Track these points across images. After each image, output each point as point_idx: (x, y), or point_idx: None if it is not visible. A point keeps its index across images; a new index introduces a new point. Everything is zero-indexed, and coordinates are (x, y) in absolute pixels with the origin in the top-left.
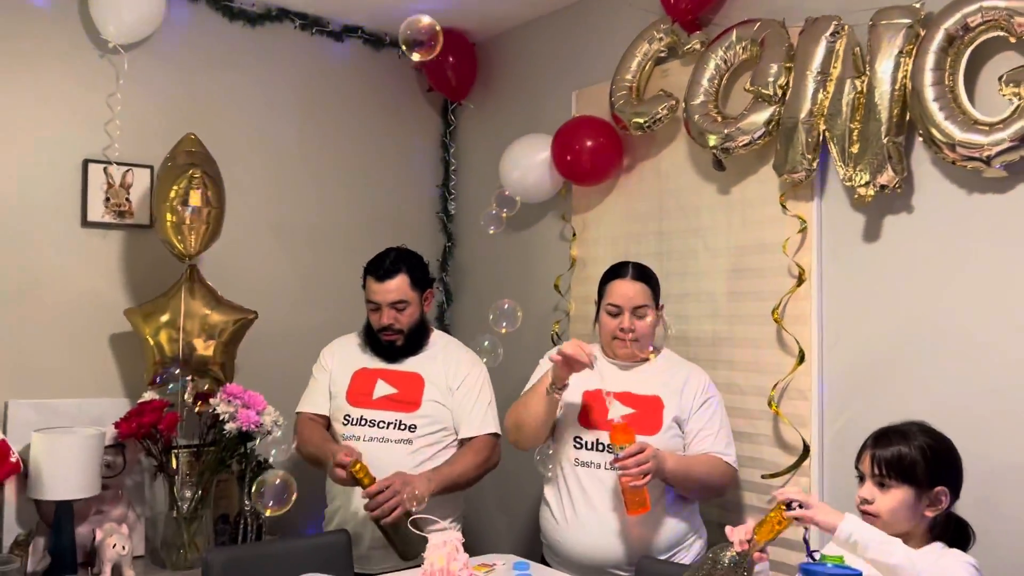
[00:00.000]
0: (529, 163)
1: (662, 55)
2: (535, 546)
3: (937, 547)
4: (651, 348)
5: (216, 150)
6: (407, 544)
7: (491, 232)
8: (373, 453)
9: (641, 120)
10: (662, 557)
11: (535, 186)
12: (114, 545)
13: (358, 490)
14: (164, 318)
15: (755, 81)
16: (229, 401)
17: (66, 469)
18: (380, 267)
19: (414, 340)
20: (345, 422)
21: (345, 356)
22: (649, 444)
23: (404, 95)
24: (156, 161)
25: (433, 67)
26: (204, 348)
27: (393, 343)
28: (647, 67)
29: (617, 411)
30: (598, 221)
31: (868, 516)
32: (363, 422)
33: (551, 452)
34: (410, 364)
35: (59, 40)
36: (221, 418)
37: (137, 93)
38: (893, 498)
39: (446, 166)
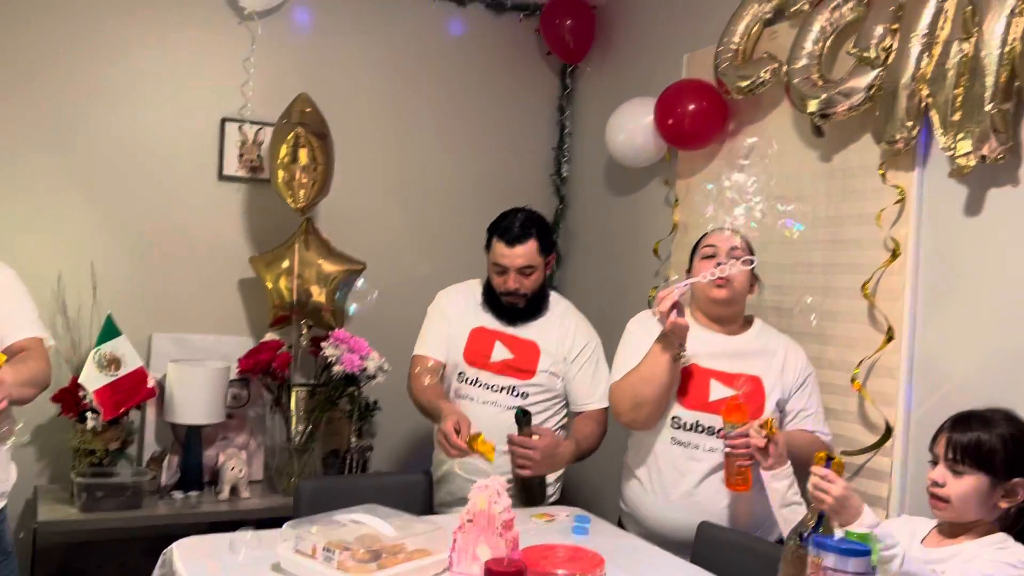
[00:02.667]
0: (635, 126)
1: (770, 17)
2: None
3: (999, 537)
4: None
5: (337, 110)
6: (531, 498)
7: None
8: (486, 415)
9: (743, 84)
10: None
11: (641, 150)
12: (233, 468)
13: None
14: (283, 266)
15: (859, 43)
16: (336, 345)
17: (195, 397)
18: (510, 231)
19: (535, 304)
20: (460, 380)
21: (465, 309)
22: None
23: (523, 58)
24: None
25: (551, 31)
26: (318, 295)
27: (515, 306)
28: (755, 29)
29: (718, 392)
30: (701, 186)
31: (937, 500)
32: (478, 383)
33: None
34: (528, 331)
35: (202, 8)
36: (329, 360)
37: (269, 57)
38: (966, 484)
39: (561, 129)
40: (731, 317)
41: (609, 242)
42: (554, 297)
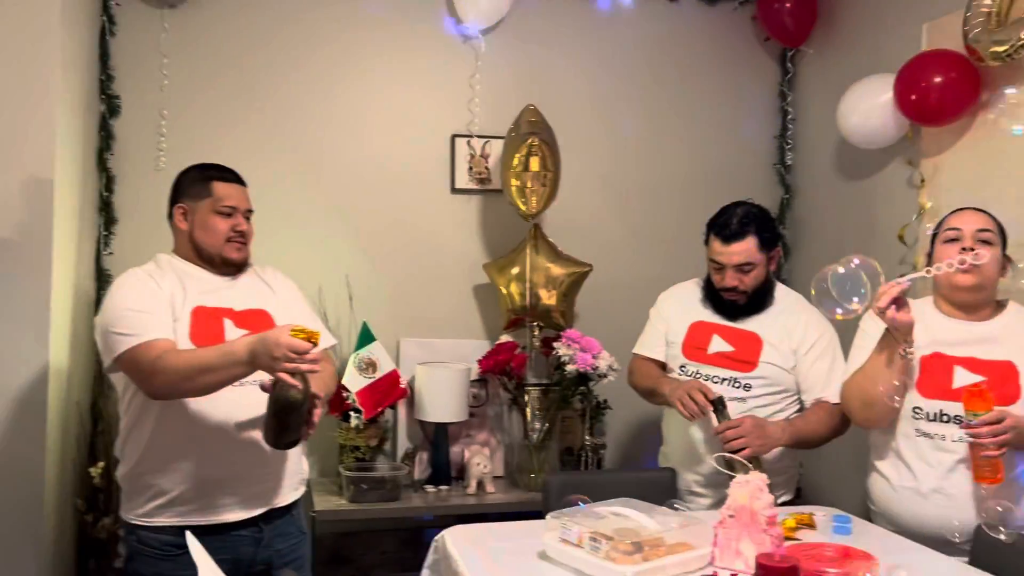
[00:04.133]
0: (870, 106)
1: None
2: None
3: None
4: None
5: (557, 117)
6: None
7: None
8: None
9: (1000, 48)
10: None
11: (877, 130)
12: (479, 463)
13: (690, 431)
14: (514, 271)
15: None
16: (568, 345)
17: (442, 397)
18: (727, 228)
19: (756, 300)
20: (680, 373)
21: (683, 306)
22: (1009, 412)
23: (740, 47)
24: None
25: (770, 16)
26: (547, 298)
27: (735, 303)
28: None
29: (964, 379)
30: (951, 165)
31: None
32: (697, 376)
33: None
34: (749, 323)
35: (429, 30)
36: (562, 360)
37: (492, 72)
38: None
39: (783, 115)
40: (978, 303)
41: (843, 230)
42: (783, 290)
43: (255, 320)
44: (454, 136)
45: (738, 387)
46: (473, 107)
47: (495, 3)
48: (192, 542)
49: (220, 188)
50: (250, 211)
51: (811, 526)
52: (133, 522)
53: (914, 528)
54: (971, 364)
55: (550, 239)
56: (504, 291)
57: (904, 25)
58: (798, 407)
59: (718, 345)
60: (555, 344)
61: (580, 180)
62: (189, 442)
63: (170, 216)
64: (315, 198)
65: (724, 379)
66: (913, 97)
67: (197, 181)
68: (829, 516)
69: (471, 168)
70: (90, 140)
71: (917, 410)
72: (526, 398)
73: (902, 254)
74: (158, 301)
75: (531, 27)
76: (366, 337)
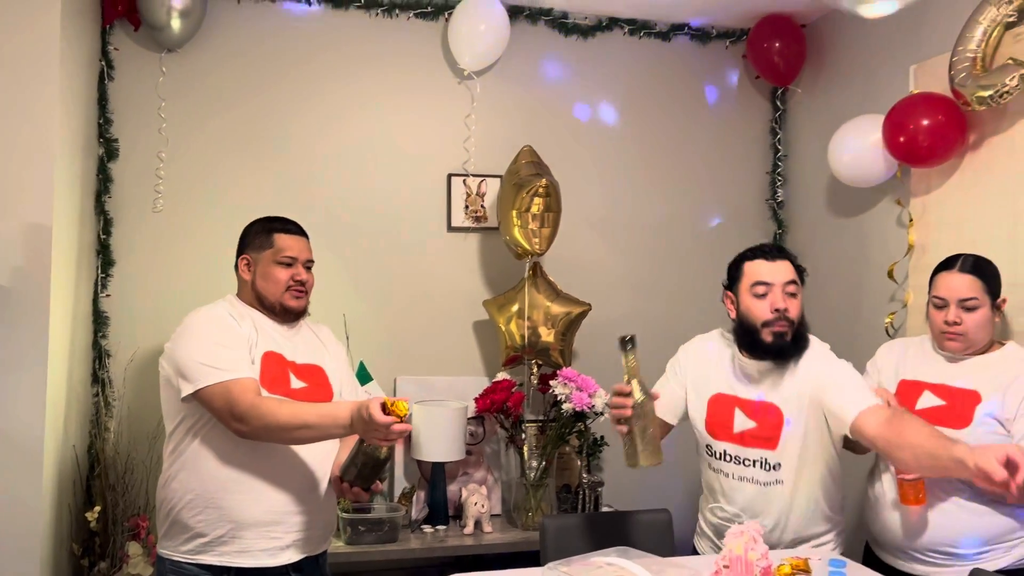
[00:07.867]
0: (859, 146)
1: (1012, 19)
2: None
3: None
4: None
5: (552, 156)
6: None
7: None
8: (748, 495)
9: (986, 93)
10: (972, 551)
11: (867, 169)
12: (476, 503)
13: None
14: (514, 308)
15: None
16: (565, 383)
17: (439, 435)
18: (766, 247)
19: (799, 338)
20: (708, 453)
21: (703, 373)
22: None
23: (731, 85)
24: (503, 171)
25: (759, 54)
26: (546, 335)
27: (783, 335)
28: (994, 33)
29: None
30: (940, 204)
31: None
32: (727, 457)
33: None
34: (769, 392)
35: (426, 72)
36: (559, 398)
37: (488, 112)
38: None
39: (775, 152)
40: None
41: (836, 266)
42: (814, 339)
43: (312, 374)
44: (450, 175)
45: (768, 468)
46: (469, 146)
47: (490, 45)
48: None
49: (281, 240)
50: (311, 261)
51: (807, 572)
52: (173, 557)
53: (886, 540)
54: (939, 390)
55: (550, 277)
56: (503, 328)
57: (892, 67)
58: (828, 457)
59: (741, 422)
60: (551, 382)
61: (577, 219)
62: (237, 488)
63: (236, 267)
64: (312, 237)
65: (755, 460)
66: (901, 139)
67: (260, 233)
68: (825, 561)
69: (467, 207)
70: (88, 184)
71: None
72: (523, 435)
73: (892, 291)
74: (241, 341)
75: (525, 67)
76: (363, 376)
